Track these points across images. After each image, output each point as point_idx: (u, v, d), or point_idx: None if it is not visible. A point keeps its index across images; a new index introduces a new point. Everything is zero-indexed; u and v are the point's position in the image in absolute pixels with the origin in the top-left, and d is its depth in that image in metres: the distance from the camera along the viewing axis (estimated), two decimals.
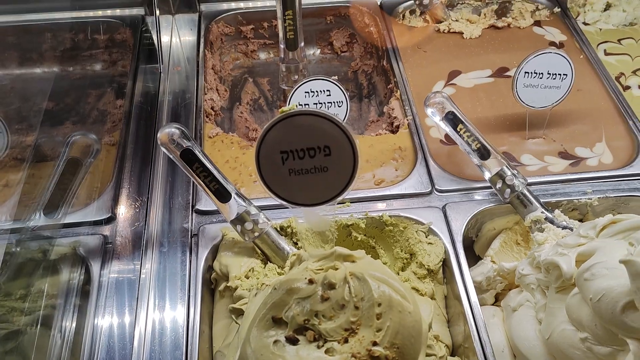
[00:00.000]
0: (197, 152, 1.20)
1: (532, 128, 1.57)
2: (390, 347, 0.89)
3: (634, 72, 1.77)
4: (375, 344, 0.89)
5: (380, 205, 1.40)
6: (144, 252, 1.32)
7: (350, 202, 1.39)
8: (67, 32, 1.91)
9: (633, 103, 1.65)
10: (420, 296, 1.24)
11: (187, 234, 1.35)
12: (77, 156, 1.42)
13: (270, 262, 1.25)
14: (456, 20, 1.96)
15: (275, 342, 0.92)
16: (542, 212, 1.29)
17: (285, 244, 1.25)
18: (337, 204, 1.28)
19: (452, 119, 1.36)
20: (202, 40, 1.90)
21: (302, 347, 0.91)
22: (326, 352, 0.90)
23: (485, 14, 1.99)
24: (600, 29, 1.93)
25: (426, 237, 1.34)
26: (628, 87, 1.72)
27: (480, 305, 1.22)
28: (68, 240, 1.31)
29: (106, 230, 1.35)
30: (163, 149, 1.20)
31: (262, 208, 1.26)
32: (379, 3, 2.02)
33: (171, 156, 1.21)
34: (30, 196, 1.36)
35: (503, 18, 1.97)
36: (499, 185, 1.33)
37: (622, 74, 1.76)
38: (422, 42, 1.89)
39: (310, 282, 0.95)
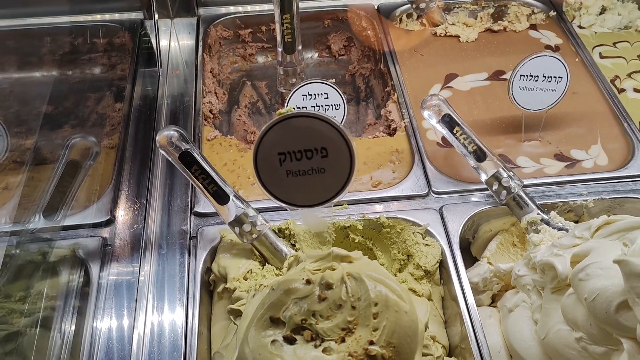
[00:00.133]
0: (195, 155, 1.20)
1: (528, 130, 1.58)
2: (386, 346, 0.90)
3: (629, 75, 1.78)
4: (371, 343, 0.90)
5: (378, 207, 1.41)
6: (143, 254, 1.33)
7: (348, 204, 1.40)
8: (66, 36, 1.92)
9: (628, 106, 1.66)
10: (417, 296, 1.25)
11: (185, 236, 1.36)
12: (76, 159, 1.42)
13: (269, 263, 1.26)
14: (453, 24, 1.97)
15: (273, 341, 0.93)
16: (538, 214, 1.30)
17: (283, 245, 1.26)
18: (335, 205, 1.29)
19: (449, 122, 1.37)
20: (200, 44, 1.91)
21: (299, 347, 0.92)
22: (323, 351, 0.91)
23: (481, 18, 2.01)
24: (596, 33, 1.94)
25: (423, 239, 1.35)
26: (623, 90, 1.74)
27: (477, 306, 1.23)
28: (67, 243, 1.32)
29: (105, 232, 1.36)
30: (162, 152, 1.21)
31: (260, 210, 1.26)
32: (376, 7, 2.03)
33: (170, 158, 1.21)
34: (30, 199, 1.36)
35: (499, 22, 1.98)
36: (495, 187, 1.34)
37: (617, 76, 1.78)
38: (419, 46, 1.91)
39: (308, 282, 0.96)
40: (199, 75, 1.80)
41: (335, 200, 1.16)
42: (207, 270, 1.31)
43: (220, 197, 1.22)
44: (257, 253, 1.27)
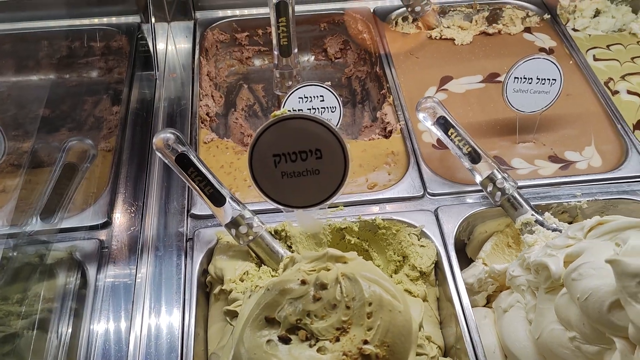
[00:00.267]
0: (192, 157, 1.21)
1: (522, 132, 1.59)
2: (380, 345, 0.91)
3: (623, 77, 1.79)
4: (366, 342, 0.91)
5: (373, 208, 1.42)
6: (140, 256, 1.33)
7: (344, 206, 1.41)
8: (63, 40, 1.93)
9: (621, 107, 1.67)
10: (411, 297, 1.26)
11: (182, 238, 1.36)
12: (73, 162, 1.43)
13: (265, 265, 1.27)
14: (448, 27, 1.98)
15: (268, 341, 0.94)
16: (533, 215, 1.31)
17: (279, 247, 1.26)
18: (331, 207, 1.30)
19: (444, 124, 1.38)
20: (197, 47, 1.92)
21: (294, 346, 0.93)
22: (318, 350, 0.92)
23: (476, 21, 2.02)
24: (590, 35, 1.95)
25: (418, 240, 1.35)
26: (617, 92, 1.75)
27: (472, 307, 1.23)
28: (64, 245, 1.32)
29: (102, 234, 1.36)
30: (158, 154, 1.22)
31: (256, 212, 1.27)
32: (372, 10, 2.05)
33: (166, 161, 1.22)
34: (27, 201, 1.37)
35: (494, 25, 2.00)
36: (489, 188, 1.35)
37: (611, 79, 1.79)
38: (415, 49, 1.92)
39: (303, 282, 0.96)
40: (195, 78, 1.81)
41: (330, 202, 1.17)
42: (204, 272, 1.32)
43: (217, 199, 1.23)
44: (254, 255, 1.28)
